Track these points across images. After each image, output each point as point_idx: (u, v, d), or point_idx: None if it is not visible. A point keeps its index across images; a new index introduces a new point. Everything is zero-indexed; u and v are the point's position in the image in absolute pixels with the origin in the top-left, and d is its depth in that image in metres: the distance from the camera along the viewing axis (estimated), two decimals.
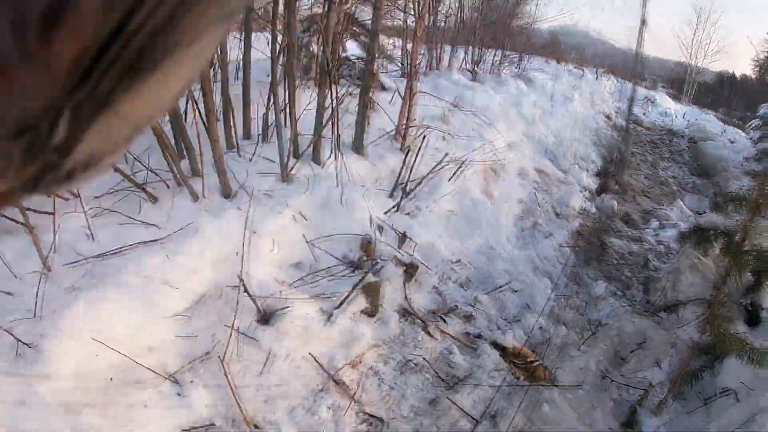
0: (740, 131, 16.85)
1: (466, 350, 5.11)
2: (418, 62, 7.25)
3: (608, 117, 13.31)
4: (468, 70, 11.25)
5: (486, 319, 5.54)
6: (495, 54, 12.25)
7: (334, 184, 5.73)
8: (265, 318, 4.32)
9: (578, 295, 6.02)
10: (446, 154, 6.71)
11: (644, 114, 15.25)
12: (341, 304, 4.86)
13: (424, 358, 4.95)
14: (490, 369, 4.99)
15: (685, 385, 4.66)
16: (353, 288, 4.90)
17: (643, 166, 10.66)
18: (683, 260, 6.20)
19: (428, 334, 5.11)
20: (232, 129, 5.79)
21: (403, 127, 6.90)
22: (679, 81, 23.93)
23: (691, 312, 5.44)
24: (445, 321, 5.29)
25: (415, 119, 7.08)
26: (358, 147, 6.52)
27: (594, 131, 11.55)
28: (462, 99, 8.90)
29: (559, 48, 20.15)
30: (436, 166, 6.60)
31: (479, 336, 5.26)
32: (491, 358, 5.06)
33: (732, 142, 13.66)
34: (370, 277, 5.00)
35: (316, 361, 4.26)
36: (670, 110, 16.48)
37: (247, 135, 6.15)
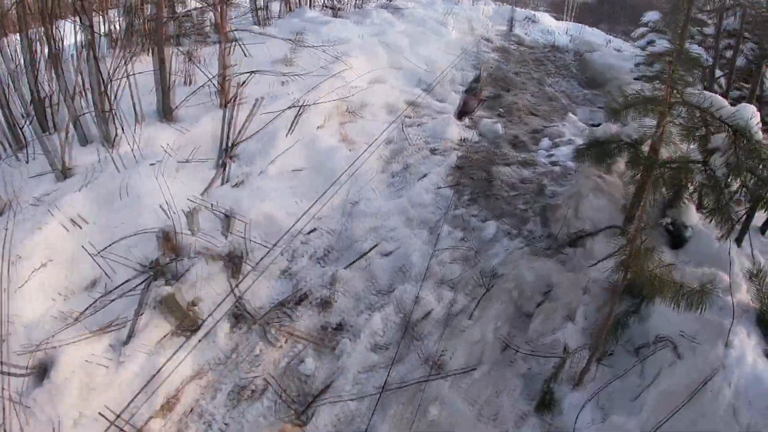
0: (624, 42, 16.14)
1: (323, 352, 3.72)
2: None
3: (489, 40, 12.03)
4: (328, 7, 9.60)
5: (352, 299, 4.15)
6: None
7: (117, 169, 4.14)
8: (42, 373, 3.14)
9: (465, 243, 4.70)
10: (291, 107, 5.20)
11: (526, 34, 14.09)
12: (129, 336, 3.29)
13: (266, 378, 3.48)
14: (357, 371, 3.62)
15: (609, 341, 3.45)
16: (139, 308, 3.39)
17: (530, 85, 9.46)
18: (583, 181, 4.96)
19: (268, 341, 3.65)
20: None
21: (223, 78, 5.27)
22: (560, 3, 23.00)
23: (603, 244, 4.23)
24: (291, 317, 3.85)
25: (234, 65, 5.45)
26: (165, 113, 4.90)
27: (474, 56, 10.23)
28: (317, 34, 7.33)
29: None
30: (274, 118, 5.06)
31: (340, 327, 3.86)
32: (357, 355, 3.69)
33: (618, 51, 12.74)
34: (164, 288, 3.49)
35: (109, 420, 3.12)
36: (552, 28, 15.40)
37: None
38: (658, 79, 9.67)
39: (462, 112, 6.32)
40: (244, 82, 5.29)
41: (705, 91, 3.79)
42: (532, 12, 16.01)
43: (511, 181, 5.56)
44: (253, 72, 5.50)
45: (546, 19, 16.55)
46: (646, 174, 3.85)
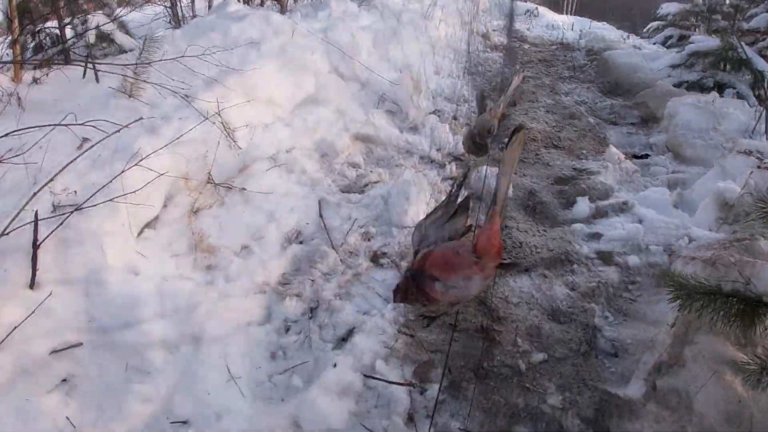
0: (635, 37, 13.26)
1: None
2: None
3: (485, 36, 9.19)
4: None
5: None
6: None
7: None
8: None
9: None
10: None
11: (528, 29, 11.25)
12: None
13: None
14: None
15: None
16: None
17: (541, 94, 6.62)
18: (692, 370, 2.16)
19: None
20: None
21: None
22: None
23: None
24: None
25: None
26: None
27: (466, 56, 7.38)
28: (224, 36, 4.53)
29: None
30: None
31: None
32: None
33: (638, 48, 9.86)
34: None
35: None
36: (556, 22, 12.54)
37: None
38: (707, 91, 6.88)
39: (404, 292, 2.45)
40: None
41: None
42: (533, 5, 13.08)
43: (531, 321, 2.71)
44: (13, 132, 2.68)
45: (546, 13, 13.67)
46: None
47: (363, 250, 3.02)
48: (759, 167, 3.94)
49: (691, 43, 7.62)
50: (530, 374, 2.35)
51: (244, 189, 3.22)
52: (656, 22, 11.98)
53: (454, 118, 4.93)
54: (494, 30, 10.35)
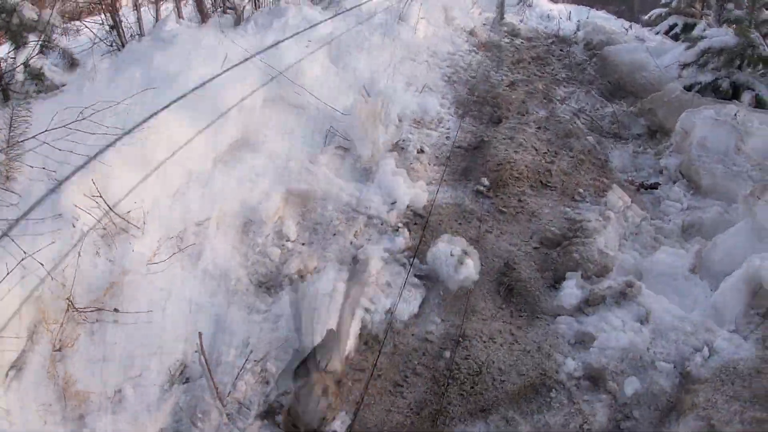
0: (637, 26, 12.18)
1: None
2: None
3: (472, 33, 8.19)
4: (227, 9, 5.77)
5: None
6: None
7: None
8: None
9: None
10: None
11: (521, 21, 10.21)
12: None
13: None
14: None
15: None
16: None
17: (532, 104, 5.66)
18: None
19: None
20: None
21: None
22: None
23: None
24: None
25: None
26: None
27: (448, 60, 6.44)
28: (148, 68, 3.65)
29: None
30: None
31: None
32: None
33: (641, 40, 8.83)
34: None
35: None
36: (552, 12, 11.48)
37: None
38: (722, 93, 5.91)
39: None
40: None
41: None
42: None
43: None
44: None
45: (544, 1, 12.59)
46: None
47: (256, 401, 2.17)
48: None
49: (703, 38, 6.60)
50: None
51: (116, 311, 2.36)
52: (659, 9, 10.91)
53: (420, 151, 4.00)
54: (483, 24, 9.34)
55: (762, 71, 5.78)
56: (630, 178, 4.49)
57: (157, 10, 5.47)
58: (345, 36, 5.35)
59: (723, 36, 6.03)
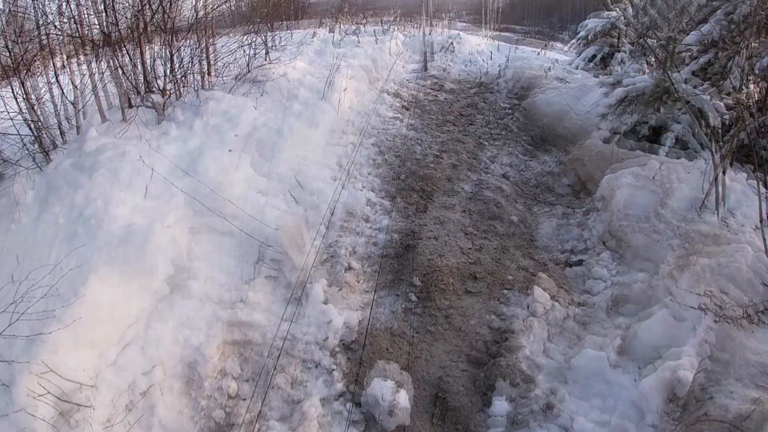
0: (559, 55, 12.63)
1: None
2: None
3: (397, 94, 8.31)
4: (148, 105, 5.61)
5: None
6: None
7: None
8: None
9: None
10: None
11: (446, 70, 10.44)
12: None
13: None
14: None
15: None
16: None
17: (460, 176, 5.74)
18: None
19: None
20: None
21: None
22: (477, 7, 19.51)
23: None
24: None
25: None
26: None
27: (373, 137, 6.49)
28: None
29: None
30: None
31: None
32: None
33: (562, 81, 9.16)
34: None
35: None
36: (475, 55, 11.77)
37: None
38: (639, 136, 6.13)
39: None
40: None
41: None
42: (449, 38, 12.27)
43: None
44: None
45: (466, 41, 12.92)
46: None
47: None
48: (716, 321, 3.16)
49: (620, 82, 6.84)
50: None
51: None
52: (580, 39, 11.39)
53: (349, 268, 3.97)
54: (411, 73, 9.48)
55: (680, 109, 5.95)
56: (556, 258, 4.59)
57: (77, 114, 5.21)
58: (267, 131, 5.33)
59: (640, 82, 6.19)
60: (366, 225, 4.55)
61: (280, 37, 9.23)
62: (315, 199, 4.60)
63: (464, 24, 20.30)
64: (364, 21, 13.46)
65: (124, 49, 5.36)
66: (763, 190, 3.94)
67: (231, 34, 7.84)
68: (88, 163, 4.21)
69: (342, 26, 12.60)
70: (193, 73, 6.29)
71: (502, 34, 18.78)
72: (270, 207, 4.28)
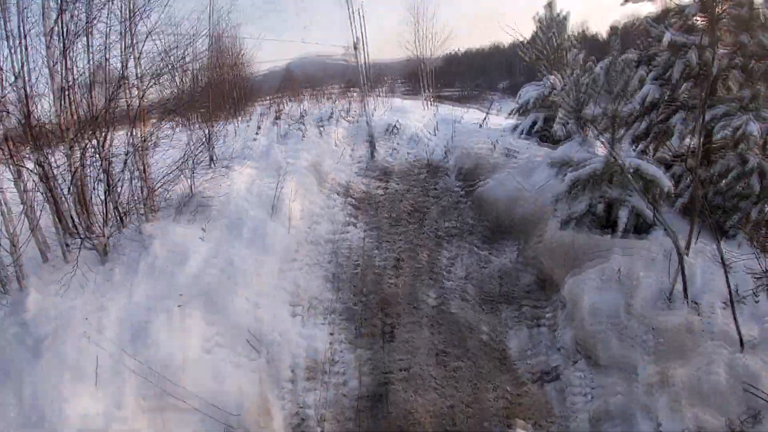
0: (496, 117, 12.89)
1: None
2: None
3: (347, 190, 8.21)
4: (88, 246, 5.22)
5: None
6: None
7: None
8: None
9: None
10: None
11: (391, 156, 10.39)
12: None
13: None
14: None
15: None
16: None
17: (421, 290, 5.59)
18: None
19: None
20: None
21: None
22: (415, 74, 20.10)
23: None
24: None
25: None
26: None
27: (328, 251, 6.31)
28: None
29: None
30: None
31: None
32: None
33: (507, 155, 9.28)
34: None
35: None
36: (419, 134, 11.68)
37: None
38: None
39: None
40: None
41: None
42: (392, 118, 12.28)
43: None
44: None
45: (408, 117, 12.95)
46: None
47: None
48: None
49: (570, 168, 6.72)
50: None
51: None
52: (521, 105, 11.65)
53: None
54: (357, 172, 9.39)
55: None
56: (533, 371, 4.47)
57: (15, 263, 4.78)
58: (217, 273, 5.07)
59: (591, 164, 6.14)
60: (332, 367, 4.32)
61: (224, 137, 9.00)
62: (275, 348, 4.35)
63: (402, 90, 20.82)
64: (305, 106, 13.57)
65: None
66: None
67: (170, 138, 7.47)
68: (31, 341, 3.89)
69: (286, 110, 12.67)
70: (134, 205, 5.99)
71: (441, 95, 19.35)
72: (228, 365, 4.02)
